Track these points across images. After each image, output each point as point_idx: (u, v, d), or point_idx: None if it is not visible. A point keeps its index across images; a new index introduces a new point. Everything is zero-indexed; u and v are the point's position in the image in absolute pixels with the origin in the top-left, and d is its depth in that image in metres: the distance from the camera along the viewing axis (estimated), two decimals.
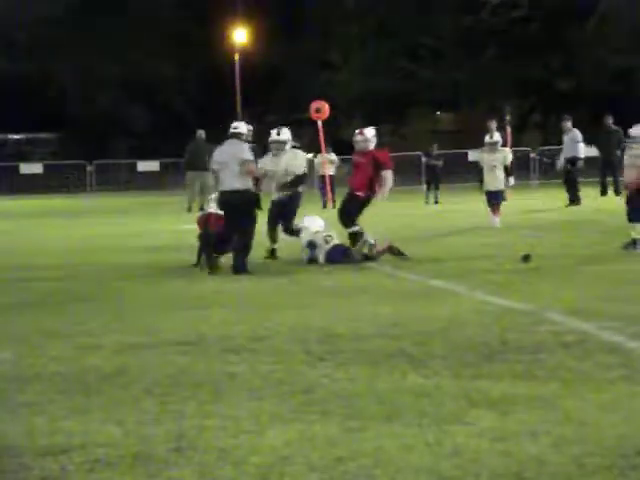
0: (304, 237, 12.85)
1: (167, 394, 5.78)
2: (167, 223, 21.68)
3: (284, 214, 13.56)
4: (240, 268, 11.74)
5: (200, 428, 5.05)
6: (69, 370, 6.51)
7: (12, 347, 7.42)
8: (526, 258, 11.96)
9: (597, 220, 18.08)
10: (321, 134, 18.73)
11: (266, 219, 13.51)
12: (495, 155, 17.78)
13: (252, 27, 48.82)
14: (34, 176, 43.92)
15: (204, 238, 12.50)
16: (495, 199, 17.78)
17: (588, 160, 25.13)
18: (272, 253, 13.49)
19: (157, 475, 4.40)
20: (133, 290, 10.66)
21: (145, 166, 44.38)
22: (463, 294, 9.52)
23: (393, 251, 12.74)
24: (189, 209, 25.58)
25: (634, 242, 12.91)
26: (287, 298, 9.65)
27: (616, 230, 15.05)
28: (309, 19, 52.00)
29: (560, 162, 24.13)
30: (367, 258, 12.66)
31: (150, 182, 43.94)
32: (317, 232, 12.86)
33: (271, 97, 51.95)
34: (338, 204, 14.33)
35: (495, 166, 17.69)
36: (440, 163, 27.96)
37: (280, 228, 13.59)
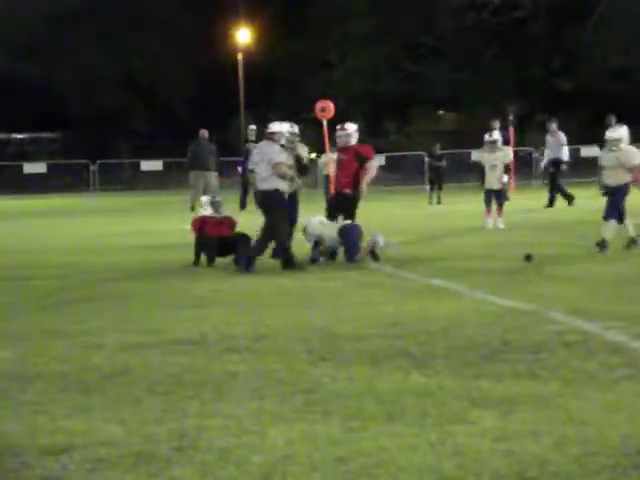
0: (310, 233, 12.76)
1: (169, 393, 5.78)
2: (170, 223, 21.69)
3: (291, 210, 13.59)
4: (287, 262, 11.89)
5: (202, 427, 5.05)
6: (71, 369, 6.51)
7: (14, 346, 7.42)
8: (528, 258, 11.96)
9: (599, 220, 18.02)
10: (326, 133, 18.61)
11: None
12: (496, 154, 17.78)
13: (254, 27, 48.83)
14: (37, 175, 43.95)
15: (201, 242, 12.59)
16: (497, 198, 17.76)
17: (588, 160, 25.13)
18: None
19: (159, 474, 4.40)
20: (135, 289, 10.65)
21: (148, 165, 44.38)
22: (465, 294, 9.51)
23: (374, 254, 12.66)
24: (192, 209, 25.58)
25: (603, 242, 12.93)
26: (289, 298, 9.65)
27: (618, 230, 15.02)
28: (310, 19, 51.99)
29: (544, 163, 24.09)
30: (374, 257, 12.59)
31: (153, 181, 43.98)
32: (321, 222, 12.80)
33: (273, 97, 51.96)
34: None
35: (496, 165, 17.71)
36: (443, 163, 27.94)
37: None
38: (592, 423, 4.92)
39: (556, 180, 23.32)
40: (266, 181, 12.11)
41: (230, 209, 15.48)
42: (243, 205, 25.38)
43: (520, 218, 19.77)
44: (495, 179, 17.69)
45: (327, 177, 27.66)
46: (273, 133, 12.35)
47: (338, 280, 10.91)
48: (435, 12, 49.94)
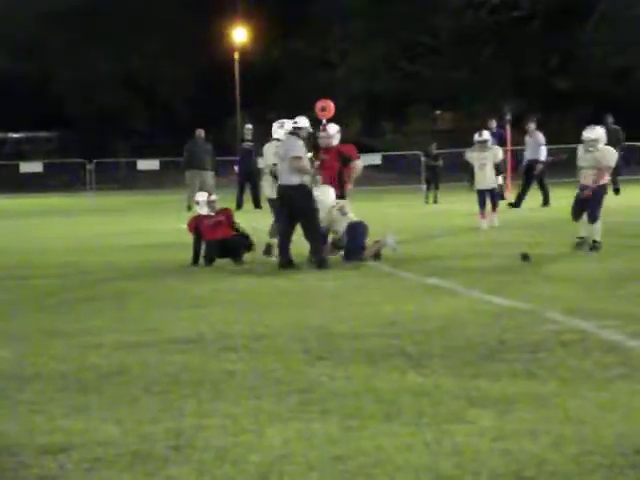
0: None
1: (166, 392, 5.79)
2: (167, 222, 21.68)
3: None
4: (323, 263, 11.87)
5: (199, 427, 5.05)
6: (68, 369, 6.51)
7: (12, 345, 7.42)
8: (525, 257, 11.97)
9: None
10: (323, 131, 18.65)
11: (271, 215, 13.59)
12: (485, 153, 17.64)
13: (251, 26, 48.80)
14: (34, 175, 43.92)
15: (199, 243, 12.57)
16: (492, 198, 17.65)
17: None
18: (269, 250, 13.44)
19: (156, 474, 4.40)
20: (133, 289, 10.65)
21: (145, 165, 44.35)
22: (462, 293, 9.52)
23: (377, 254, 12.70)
24: (189, 208, 25.60)
25: (594, 243, 12.94)
26: (286, 297, 9.65)
27: (615, 229, 15.05)
28: (308, 18, 51.98)
29: (524, 162, 24.05)
30: (376, 256, 12.62)
31: (150, 181, 43.95)
32: (332, 207, 12.80)
33: (270, 96, 51.94)
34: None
35: (485, 164, 17.56)
36: (440, 163, 27.93)
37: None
38: (589, 422, 4.93)
39: (530, 181, 23.19)
40: (292, 176, 12.11)
41: None
42: (240, 204, 25.40)
43: (517, 217, 19.78)
44: (485, 178, 17.55)
45: None
46: (300, 128, 12.39)
47: (335, 280, 10.91)
48: (433, 11, 49.93)
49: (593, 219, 12.94)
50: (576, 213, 13.14)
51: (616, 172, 26.13)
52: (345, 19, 51.89)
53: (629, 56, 46.06)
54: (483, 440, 4.69)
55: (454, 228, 17.70)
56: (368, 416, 5.16)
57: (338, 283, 10.62)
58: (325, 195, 12.81)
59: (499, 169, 18.07)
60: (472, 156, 18.03)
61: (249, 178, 25.23)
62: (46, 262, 13.73)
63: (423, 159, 31.35)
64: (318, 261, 11.95)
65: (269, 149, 13.62)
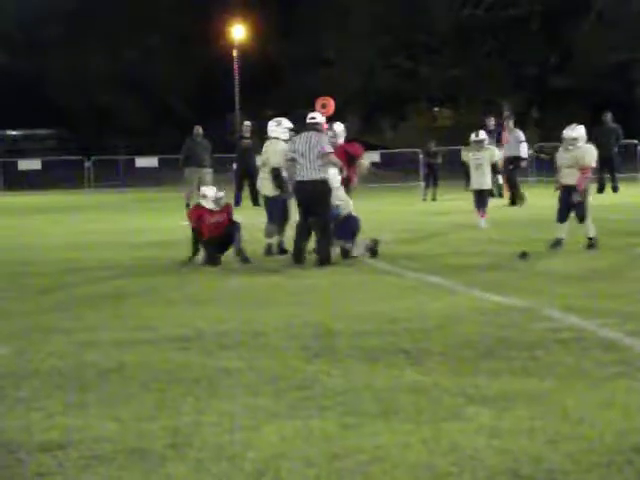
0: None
1: (164, 390, 5.78)
2: (165, 219, 21.67)
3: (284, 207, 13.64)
4: (324, 261, 11.89)
5: (196, 424, 5.05)
6: (66, 366, 6.51)
7: (9, 342, 7.42)
8: (523, 255, 11.98)
9: (594, 218, 18.04)
10: (326, 130, 18.69)
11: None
12: (481, 153, 17.44)
13: (250, 23, 48.80)
14: (32, 172, 43.89)
15: (198, 238, 12.42)
16: (483, 198, 17.42)
17: None
18: (270, 249, 13.46)
19: (153, 471, 4.40)
20: (131, 286, 10.65)
21: (143, 162, 44.32)
22: (460, 291, 9.52)
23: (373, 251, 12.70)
24: (187, 205, 25.58)
25: (559, 241, 12.95)
26: (284, 294, 9.65)
27: (612, 227, 15.06)
28: (306, 15, 51.97)
29: (501, 161, 23.99)
30: (373, 253, 12.61)
31: (148, 178, 43.91)
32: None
33: (269, 93, 51.94)
34: None
35: (481, 164, 17.34)
36: (439, 160, 27.93)
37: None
38: (586, 420, 4.93)
39: (515, 179, 23.14)
40: (317, 171, 12.15)
41: None
42: (238, 202, 25.38)
43: (514, 215, 19.78)
44: (480, 179, 17.33)
45: None
46: (318, 123, 12.50)
47: (334, 277, 10.91)
48: (430, 9, 49.93)
49: (582, 219, 12.94)
50: (562, 215, 13.11)
51: (614, 170, 26.20)
52: (342, 16, 51.87)
53: (626, 54, 46.07)
54: (481, 438, 4.69)
55: (452, 225, 17.69)
56: (366, 413, 5.16)
57: (336, 280, 10.62)
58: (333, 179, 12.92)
59: (496, 169, 17.96)
60: (468, 156, 17.91)
61: (247, 175, 25.19)
62: (44, 259, 13.72)
63: (422, 156, 31.34)
64: (320, 258, 11.95)
65: (272, 147, 13.49)
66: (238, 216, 13.12)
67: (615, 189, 25.79)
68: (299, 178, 12.26)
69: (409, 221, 19.26)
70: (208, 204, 12.59)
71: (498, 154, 18.37)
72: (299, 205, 12.42)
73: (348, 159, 13.48)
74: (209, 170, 26.18)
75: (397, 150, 42.46)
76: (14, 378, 6.22)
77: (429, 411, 5.17)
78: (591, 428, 4.80)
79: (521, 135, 23.33)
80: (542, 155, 24.54)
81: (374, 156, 39.90)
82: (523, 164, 23.03)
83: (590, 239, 12.88)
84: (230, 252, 12.45)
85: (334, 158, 12.33)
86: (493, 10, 48.99)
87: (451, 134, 46.88)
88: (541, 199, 23.38)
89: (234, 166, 26.72)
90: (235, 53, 47.20)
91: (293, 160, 12.32)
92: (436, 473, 4.26)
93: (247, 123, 26.37)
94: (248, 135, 25.61)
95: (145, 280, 11.16)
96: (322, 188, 12.21)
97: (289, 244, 12.85)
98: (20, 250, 15.38)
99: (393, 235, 15.32)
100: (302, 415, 5.16)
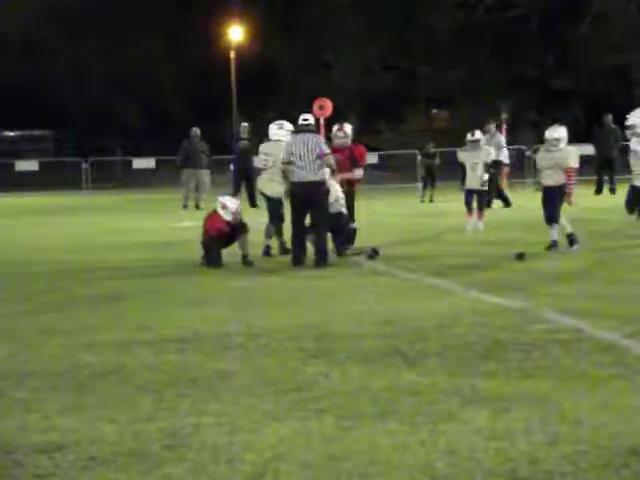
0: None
1: (162, 391, 5.78)
2: (163, 220, 21.66)
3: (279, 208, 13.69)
4: (322, 262, 11.93)
5: (194, 425, 5.05)
6: (64, 367, 6.51)
7: (7, 344, 7.42)
8: (520, 256, 11.98)
9: (591, 219, 18.07)
10: (323, 132, 18.65)
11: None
12: (477, 153, 17.40)
13: (247, 25, 48.79)
14: (30, 173, 43.85)
15: (210, 239, 12.23)
16: (480, 199, 17.35)
17: (582, 158, 25.04)
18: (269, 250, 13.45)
19: (151, 472, 4.40)
20: (128, 287, 10.65)
21: (141, 163, 44.29)
22: (457, 292, 9.53)
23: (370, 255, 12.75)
24: (185, 206, 25.60)
25: (554, 243, 12.96)
26: (282, 296, 9.65)
27: (609, 229, 15.07)
28: (304, 17, 51.97)
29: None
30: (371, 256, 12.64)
31: (146, 179, 43.88)
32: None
33: (266, 95, 51.93)
34: None
35: (477, 164, 17.31)
36: (436, 162, 27.91)
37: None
38: (584, 422, 4.94)
39: (497, 183, 23.09)
40: (315, 172, 12.19)
41: None
42: None
43: (511, 216, 19.78)
44: (475, 179, 17.30)
45: None
46: (312, 125, 12.61)
47: (332, 279, 10.91)
48: (428, 10, 49.94)
49: (554, 220, 12.91)
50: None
51: (614, 172, 26.20)
52: (340, 18, 51.88)
53: (625, 55, 46.07)
54: (478, 439, 4.69)
55: (450, 227, 17.69)
56: (363, 415, 5.17)
57: (334, 282, 10.62)
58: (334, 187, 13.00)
59: (488, 169, 17.91)
60: (463, 156, 17.85)
61: (245, 177, 25.18)
62: (41, 260, 13.71)
63: (419, 158, 31.32)
64: (318, 259, 11.96)
65: (277, 147, 13.45)
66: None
67: (612, 191, 25.80)
68: (297, 179, 12.27)
69: (406, 223, 19.26)
70: (226, 215, 12.28)
71: (494, 154, 18.37)
72: (297, 206, 12.42)
73: (351, 161, 13.70)
74: (207, 171, 26.19)
75: (395, 152, 42.48)
76: (11, 379, 6.21)
77: (426, 412, 5.17)
78: (588, 429, 4.80)
79: (502, 140, 23.38)
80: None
81: (372, 157, 39.92)
82: (505, 169, 23.03)
83: (569, 235, 12.89)
84: (230, 251, 12.43)
85: (331, 160, 12.38)
86: (492, 12, 48.99)
87: (449, 135, 46.90)
88: (537, 201, 23.39)
89: (231, 167, 26.71)
90: (233, 55, 47.19)
91: (290, 163, 12.34)
92: (433, 474, 4.26)
93: (245, 124, 26.32)
94: (246, 136, 25.60)
95: (143, 281, 11.16)
96: (320, 189, 12.25)
97: (289, 244, 12.85)
98: (17, 251, 15.37)
99: (390, 237, 15.32)
100: (300, 417, 5.16)
